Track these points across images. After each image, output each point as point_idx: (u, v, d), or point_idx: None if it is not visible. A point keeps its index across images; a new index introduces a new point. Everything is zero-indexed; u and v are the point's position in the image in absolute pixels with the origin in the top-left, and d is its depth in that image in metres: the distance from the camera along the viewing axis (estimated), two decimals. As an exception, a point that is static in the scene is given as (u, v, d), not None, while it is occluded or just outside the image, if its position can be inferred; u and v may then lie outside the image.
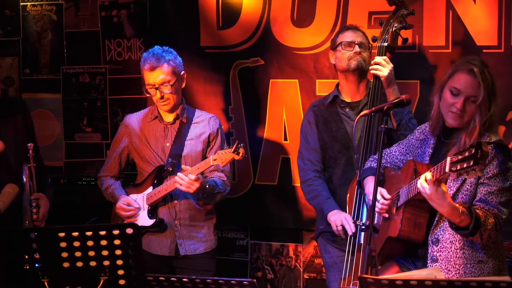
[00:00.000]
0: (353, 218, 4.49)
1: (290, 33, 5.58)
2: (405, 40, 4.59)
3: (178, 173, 4.66)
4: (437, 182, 3.55)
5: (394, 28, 4.57)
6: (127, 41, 6.05)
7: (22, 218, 4.42)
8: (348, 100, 4.83)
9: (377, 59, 4.55)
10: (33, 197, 4.43)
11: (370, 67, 4.58)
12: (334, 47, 4.83)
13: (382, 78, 4.52)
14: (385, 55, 4.57)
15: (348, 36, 4.78)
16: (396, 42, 4.61)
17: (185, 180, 4.61)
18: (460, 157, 3.37)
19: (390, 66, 4.53)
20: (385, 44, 4.58)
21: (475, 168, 3.31)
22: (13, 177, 4.44)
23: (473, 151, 3.30)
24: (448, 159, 3.44)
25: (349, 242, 4.53)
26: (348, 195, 4.60)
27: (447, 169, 3.44)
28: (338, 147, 4.81)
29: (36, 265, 3.34)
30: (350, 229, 4.53)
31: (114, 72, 6.11)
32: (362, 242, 4.32)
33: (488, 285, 2.90)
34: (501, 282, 2.89)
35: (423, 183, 3.56)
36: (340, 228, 4.60)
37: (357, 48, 4.72)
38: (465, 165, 3.33)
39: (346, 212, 4.63)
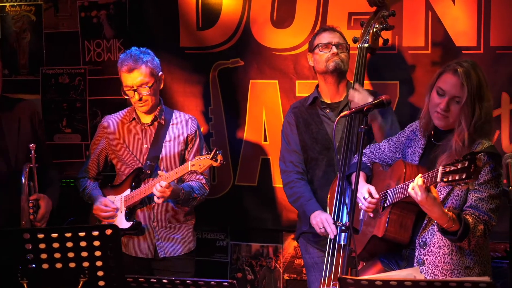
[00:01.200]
0: (333, 219, 4.48)
1: (269, 34, 5.57)
2: (385, 41, 4.60)
3: (156, 183, 4.65)
4: (427, 187, 3.53)
5: (375, 29, 4.58)
6: (107, 42, 6.02)
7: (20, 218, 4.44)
8: (328, 101, 4.84)
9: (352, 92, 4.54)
10: (32, 197, 4.43)
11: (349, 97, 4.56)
12: (311, 49, 4.83)
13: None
14: (366, 56, 4.57)
15: (325, 38, 4.77)
16: (377, 43, 4.61)
17: (157, 188, 4.61)
18: (452, 168, 3.34)
19: (364, 92, 4.51)
20: (366, 45, 4.59)
21: (467, 182, 3.29)
22: (13, 175, 4.45)
23: (466, 164, 3.27)
24: (440, 169, 3.41)
25: (329, 243, 4.53)
26: (328, 196, 4.60)
27: (438, 179, 3.41)
28: (318, 149, 4.81)
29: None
30: (332, 231, 4.52)
31: (93, 73, 6.07)
32: (342, 242, 4.32)
33: (468, 285, 2.91)
34: (480, 283, 2.90)
35: (416, 188, 3.52)
36: (322, 230, 4.58)
37: (334, 49, 4.72)
38: (457, 177, 3.31)
39: (327, 213, 4.63)
